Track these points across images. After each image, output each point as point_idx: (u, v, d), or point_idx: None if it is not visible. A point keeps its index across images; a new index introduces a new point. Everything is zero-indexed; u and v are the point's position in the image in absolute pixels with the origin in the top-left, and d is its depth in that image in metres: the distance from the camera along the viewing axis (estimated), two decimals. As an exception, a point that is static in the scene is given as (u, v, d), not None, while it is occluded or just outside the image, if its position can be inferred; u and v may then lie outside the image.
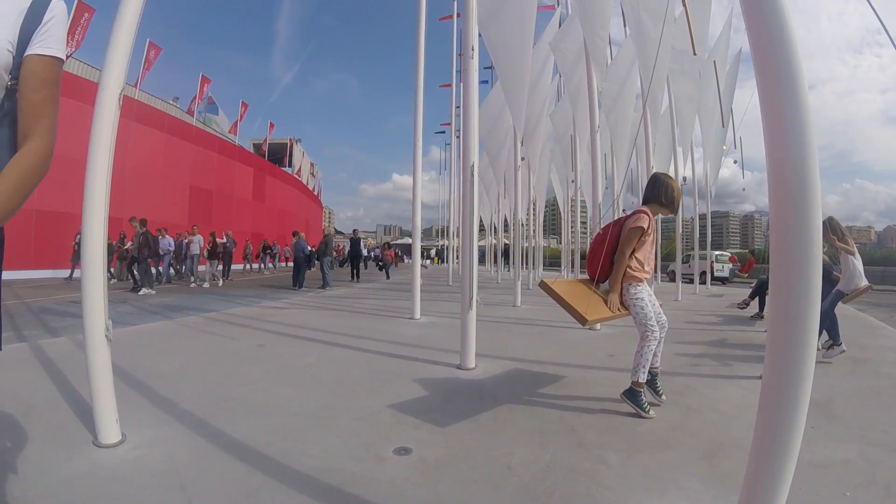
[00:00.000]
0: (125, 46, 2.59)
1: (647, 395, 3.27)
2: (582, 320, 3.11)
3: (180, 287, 14.09)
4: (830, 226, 5.11)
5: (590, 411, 3.25)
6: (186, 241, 15.80)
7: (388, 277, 19.53)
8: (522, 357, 4.83)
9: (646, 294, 3.34)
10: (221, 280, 16.21)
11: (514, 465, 2.41)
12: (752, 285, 8.69)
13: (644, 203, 3.48)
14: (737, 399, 3.55)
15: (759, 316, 7.73)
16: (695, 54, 6.71)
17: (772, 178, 1.52)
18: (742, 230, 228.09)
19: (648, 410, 3.17)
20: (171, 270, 16.36)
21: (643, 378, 3.23)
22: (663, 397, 3.44)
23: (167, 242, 14.61)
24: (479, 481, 2.26)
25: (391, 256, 24.64)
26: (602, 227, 3.60)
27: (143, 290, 11.75)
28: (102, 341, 2.55)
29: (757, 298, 8.07)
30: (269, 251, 27.34)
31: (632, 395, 3.23)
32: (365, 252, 22.23)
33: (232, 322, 6.92)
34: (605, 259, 3.43)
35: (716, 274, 19.81)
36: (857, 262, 5.13)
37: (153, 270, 14.06)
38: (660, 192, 3.43)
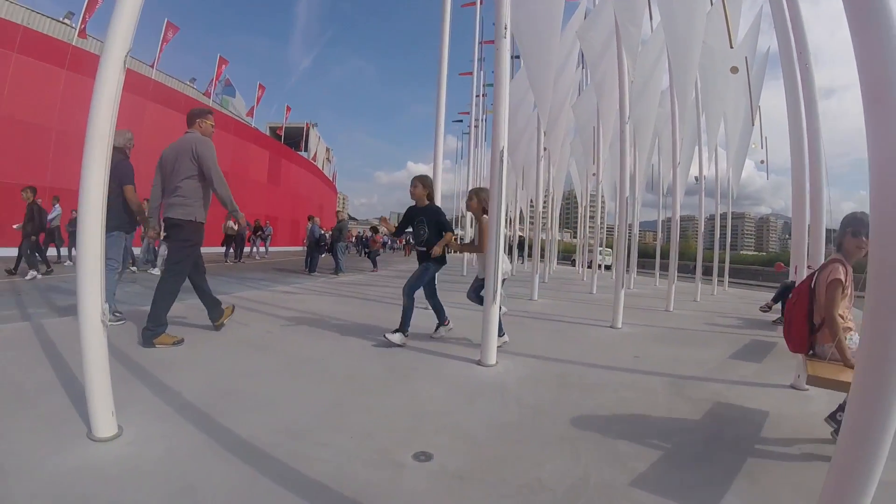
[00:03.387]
0: (133, 4, 2.35)
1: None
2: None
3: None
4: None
5: (620, 419, 3.02)
6: None
7: (374, 267, 17.08)
8: (544, 355, 4.60)
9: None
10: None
11: (545, 479, 2.19)
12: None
13: (838, 249, 3.02)
14: (770, 409, 3.32)
15: (780, 321, 7.44)
16: (731, 47, 6.37)
17: (874, 171, 1.30)
18: (757, 232, 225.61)
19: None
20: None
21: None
22: None
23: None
24: (508, 496, 2.03)
25: (378, 243, 21.87)
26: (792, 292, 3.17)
27: (31, 274, 9.45)
28: (98, 327, 2.33)
29: (780, 303, 7.79)
30: (259, 233, 22.43)
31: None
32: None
33: (242, 306, 6.72)
34: (801, 326, 2.98)
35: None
36: None
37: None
38: (844, 231, 2.98)
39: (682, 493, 2.14)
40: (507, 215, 24.68)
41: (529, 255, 23.98)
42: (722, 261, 13.62)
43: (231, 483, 2.04)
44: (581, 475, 2.24)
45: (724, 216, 13.72)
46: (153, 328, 4.26)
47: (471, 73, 18.84)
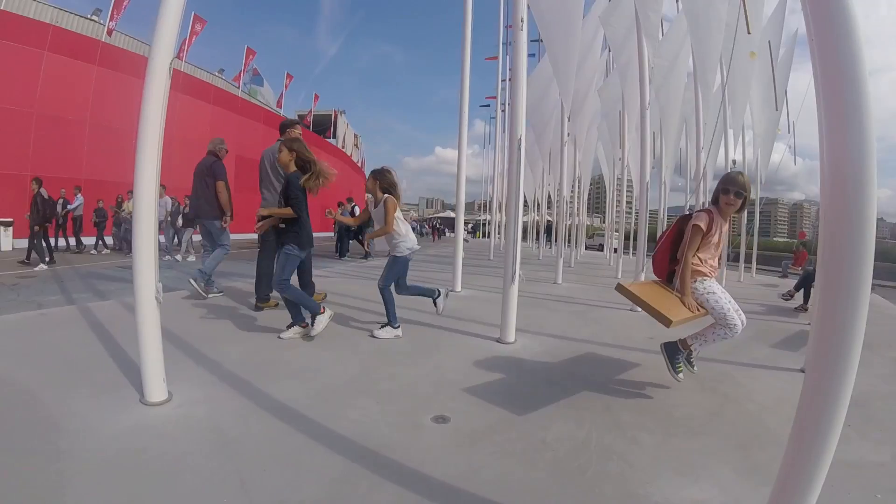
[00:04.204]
0: (174, 16, 2.63)
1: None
2: (666, 322, 2.98)
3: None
4: None
5: (627, 393, 3.22)
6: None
7: (366, 257, 14.58)
8: (561, 334, 4.80)
9: (717, 287, 3.21)
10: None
11: (550, 441, 2.42)
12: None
13: (713, 203, 3.31)
14: (775, 391, 3.45)
15: (802, 308, 7.43)
16: (749, 33, 6.38)
17: (826, 168, 1.47)
18: (791, 219, 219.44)
19: (680, 373, 3.22)
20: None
21: (696, 350, 3.25)
22: (695, 369, 3.42)
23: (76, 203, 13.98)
24: (513, 454, 2.28)
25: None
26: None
27: (40, 266, 9.57)
28: (152, 303, 2.64)
29: (802, 291, 7.79)
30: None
31: (672, 350, 3.28)
32: None
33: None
34: (664, 255, 3.36)
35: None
36: None
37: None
38: (717, 188, 3.28)
39: (676, 458, 2.33)
40: (530, 201, 24.72)
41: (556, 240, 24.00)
42: (750, 247, 13.48)
43: (269, 437, 2.34)
44: (583, 439, 2.47)
45: (754, 202, 13.55)
46: (264, 291, 5.42)
47: (497, 58, 18.77)
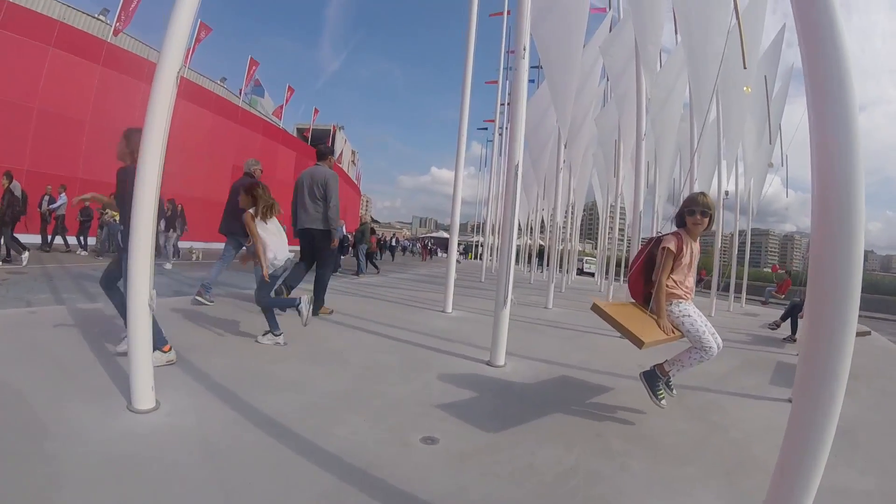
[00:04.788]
0: (184, 26, 2.66)
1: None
2: (638, 343, 3.00)
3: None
4: None
5: (617, 420, 3.23)
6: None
7: (359, 273, 14.53)
8: (552, 359, 4.81)
9: (693, 310, 3.25)
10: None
11: (537, 465, 2.43)
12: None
13: (679, 225, 3.40)
14: (762, 420, 3.50)
15: (791, 339, 7.51)
16: (745, 68, 6.52)
17: (816, 199, 1.51)
18: (781, 250, 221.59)
19: (662, 400, 3.24)
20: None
21: (673, 375, 3.28)
22: (674, 392, 3.46)
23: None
24: (501, 476, 2.28)
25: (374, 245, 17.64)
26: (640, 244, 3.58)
27: (25, 255, 9.46)
28: (145, 309, 2.64)
29: (789, 321, 7.87)
30: None
31: (652, 377, 3.30)
32: None
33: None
34: (637, 278, 3.44)
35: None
36: None
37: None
38: (681, 210, 3.35)
39: (664, 485, 2.35)
40: (524, 225, 24.83)
41: (548, 265, 24.14)
42: (740, 277, 13.60)
43: (256, 450, 2.33)
44: (572, 464, 2.47)
45: (745, 233, 13.72)
46: (320, 303, 6.13)
47: (496, 82, 19.04)
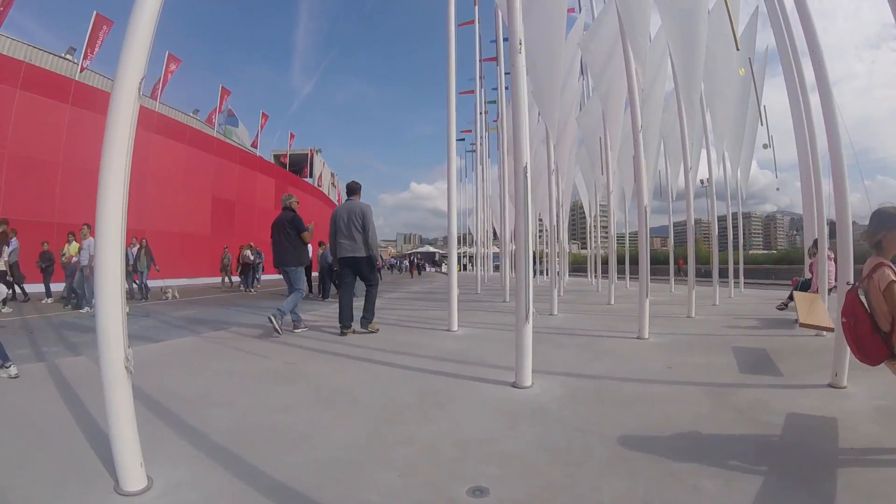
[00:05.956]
0: (145, 32, 2.25)
1: None
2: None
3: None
4: None
5: (667, 434, 2.90)
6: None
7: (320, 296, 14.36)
8: (576, 372, 4.48)
9: None
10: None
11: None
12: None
13: (876, 249, 2.72)
14: (813, 411, 3.26)
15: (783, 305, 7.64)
16: (738, 49, 6.32)
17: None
18: (765, 231, 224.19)
19: None
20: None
21: None
22: None
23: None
24: (574, 529, 1.91)
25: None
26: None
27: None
28: (122, 374, 2.18)
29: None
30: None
31: None
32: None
33: (259, 337, 6.66)
34: (872, 337, 2.62)
35: None
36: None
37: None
38: (876, 230, 2.71)
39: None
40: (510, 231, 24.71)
41: (541, 270, 23.90)
42: (736, 262, 13.47)
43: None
44: (643, 497, 2.12)
45: (733, 216, 13.60)
46: (369, 317, 6.81)
47: (472, 92, 18.86)
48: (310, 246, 8.29)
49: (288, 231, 7.15)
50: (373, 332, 6.73)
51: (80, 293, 10.79)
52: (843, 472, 2.36)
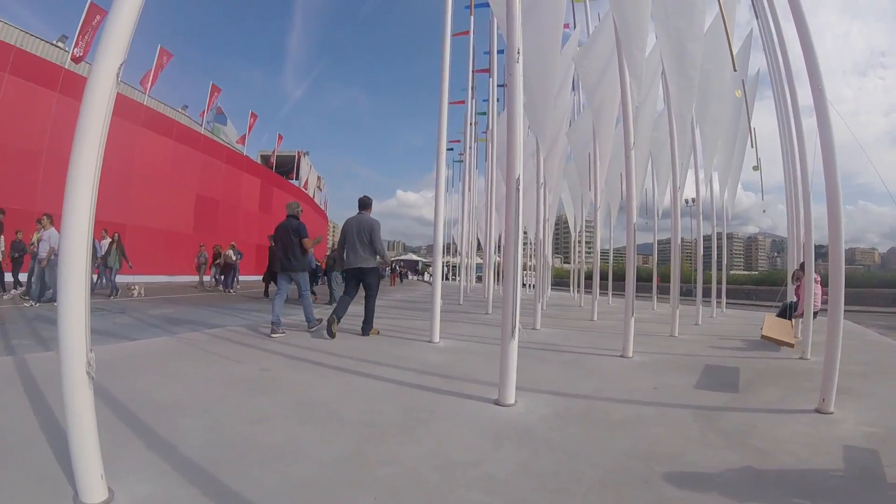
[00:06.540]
0: (130, 13, 2.11)
1: None
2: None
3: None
4: None
5: (658, 458, 2.81)
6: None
7: (332, 301, 13.13)
8: (562, 391, 4.38)
9: None
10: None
11: (598, 536, 1.97)
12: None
13: None
14: (804, 437, 3.24)
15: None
16: (735, 70, 6.33)
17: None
18: (746, 252, 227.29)
19: None
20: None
21: None
22: None
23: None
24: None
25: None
26: None
27: None
28: (83, 380, 2.04)
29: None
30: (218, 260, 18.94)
31: None
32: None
33: (236, 340, 6.49)
34: None
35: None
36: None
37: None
38: None
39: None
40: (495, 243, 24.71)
41: (524, 283, 23.90)
42: (719, 282, 13.53)
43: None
44: (635, 528, 2.03)
45: (714, 237, 13.69)
46: (369, 324, 7.35)
47: (462, 102, 18.82)
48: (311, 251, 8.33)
49: (292, 238, 7.49)
50: (375, 335, 7.33)
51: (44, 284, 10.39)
52: (837, 499, 2.34)
